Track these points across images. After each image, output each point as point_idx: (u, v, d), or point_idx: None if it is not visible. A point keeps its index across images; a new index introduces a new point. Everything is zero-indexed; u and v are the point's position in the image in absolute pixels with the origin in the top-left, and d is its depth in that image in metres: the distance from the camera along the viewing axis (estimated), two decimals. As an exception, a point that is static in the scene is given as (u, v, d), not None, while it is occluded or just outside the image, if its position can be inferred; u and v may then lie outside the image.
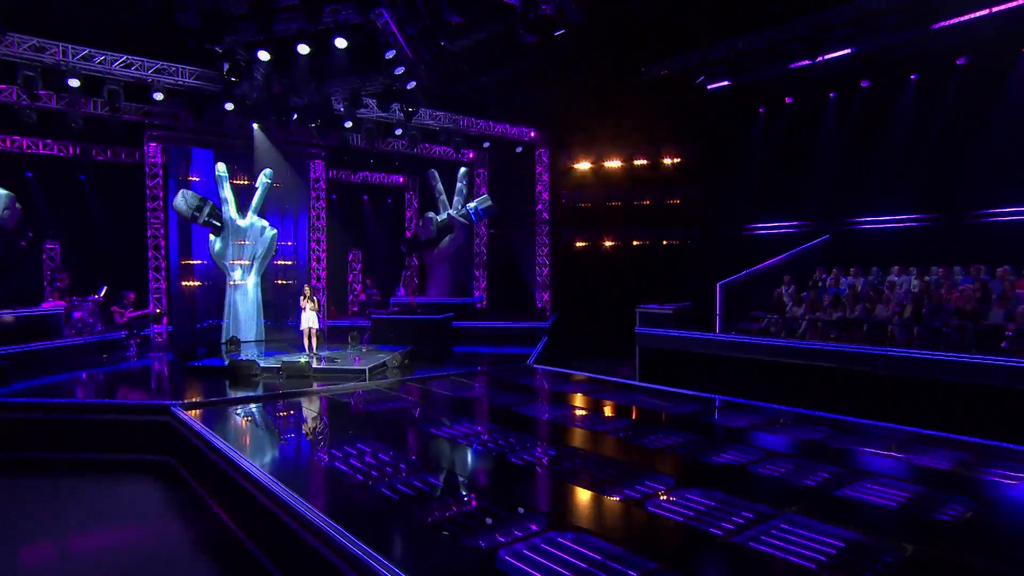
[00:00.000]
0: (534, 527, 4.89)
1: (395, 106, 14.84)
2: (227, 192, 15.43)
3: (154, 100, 14.09)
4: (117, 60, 13.36)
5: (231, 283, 15.70)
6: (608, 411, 9.18)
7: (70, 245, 16.79)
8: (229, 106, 14.52)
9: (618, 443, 7.38)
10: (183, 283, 16.27)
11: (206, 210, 15.00)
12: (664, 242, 19.76)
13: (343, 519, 4.92)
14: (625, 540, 4.69)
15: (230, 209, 15.45)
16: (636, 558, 4.34)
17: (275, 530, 5.49)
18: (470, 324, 17.51)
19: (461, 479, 6.25)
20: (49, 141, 16.27)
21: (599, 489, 5.77)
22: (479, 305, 19.19)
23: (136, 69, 13.62)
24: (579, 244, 20.33)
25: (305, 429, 8.39)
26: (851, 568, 4.15)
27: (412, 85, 13.17)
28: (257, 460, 6.51)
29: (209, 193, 15.52)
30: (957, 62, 14.03)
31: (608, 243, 20.15)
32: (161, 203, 15.99)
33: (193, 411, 8.71)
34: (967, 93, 13.99)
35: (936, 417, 8.54)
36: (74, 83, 12.98)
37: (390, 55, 11.68)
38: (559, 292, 19.90)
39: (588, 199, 20.20)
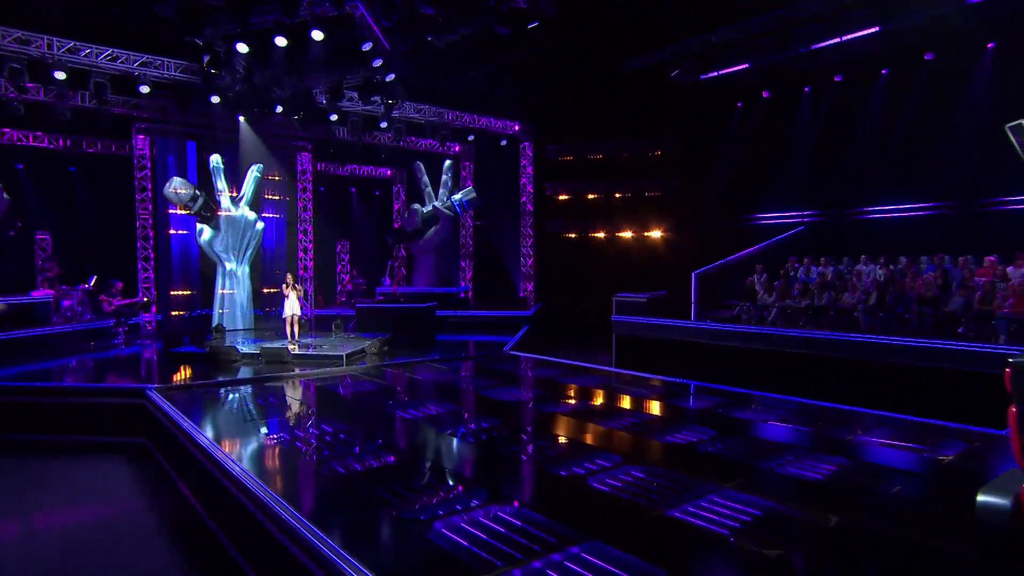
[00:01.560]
0: (476, 502, 4.89)
1: (376, 99, 14.73)
2: (222, 183, 15.37)
3: (141, 93, 14.02)
4: (103, 53, 13.28)
5: (223, 273, 15.65)
6: (573, 394, 9.18)
7: (61, 235, 16.72)
8: (215, 99, 14.46)
9: (577, 424, 7.38)
10: (172, 272, 16.22)
11: (199, 201, 14.92)
12: (645, 233, 19.74)
13: (291, 495, 4.92)
14: (559, 513, 4.69)
15: (225, 200, 15.40)
16: (562, 528, 4.34)
17: (230, 507, 5.50)
18: (454, 313, 17.51)
19: (415, 457, 6.25)
20: (39, 134, 16.17)
21: (549, 467, 5.77)
22: (463, 295, 19.16)
23: (122, 62, 13.54)
24: (562, 235, 20.31)
25: (272, 411, 8.38)
26: (767, 537, 4.16)
27: (391, 77, 13.10)
28: (219, 440, 6.50)
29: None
30: (925, 56, 14.01)
31: (590, 234, 20.13)
32: (149, 194, 15.92)
33: (168, 394, 8.69)
34: (933, 87, 13.98)
35: (895, 399, 8.55)
36: (60, 76, 12.90)
37: (367, 47, 11.60)
38: (543, 282, 19.89)
39: (571, 191, 20.17)
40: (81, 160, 17.08)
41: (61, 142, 16.53)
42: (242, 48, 11.44)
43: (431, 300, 16.42)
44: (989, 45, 13.01)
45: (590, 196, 20.00)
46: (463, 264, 20.35)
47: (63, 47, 12.76)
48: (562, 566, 3.83)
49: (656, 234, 19.53)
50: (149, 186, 15.96)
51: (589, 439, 6.76)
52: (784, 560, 3.90)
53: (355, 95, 14.83)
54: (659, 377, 10.24)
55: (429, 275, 18.92)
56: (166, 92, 14.45)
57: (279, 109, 15.04)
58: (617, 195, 19.85)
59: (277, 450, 6.48)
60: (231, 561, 5.44)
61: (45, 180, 16.83)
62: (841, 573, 3.87)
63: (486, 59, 16.08)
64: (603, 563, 3.86)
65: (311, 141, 17.79)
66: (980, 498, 1.90)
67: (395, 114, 16.62)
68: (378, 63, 12.27)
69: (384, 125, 16.80)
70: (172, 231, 16.68)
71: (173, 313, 16.20)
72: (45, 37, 12.58)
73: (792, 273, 14.30)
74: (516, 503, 4.88)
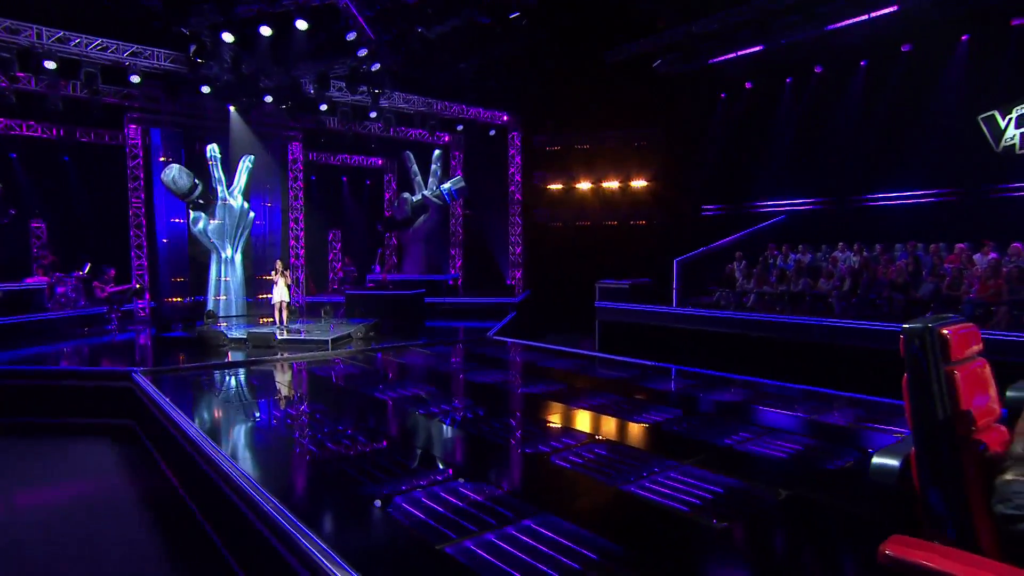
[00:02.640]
0: (440, 478, 4.92)
1: (363, 88, 14.64)
2: (219, 172, 15.29)
3: (132, 83, 13.90)
4: (92, 43, 13.15)
5: (218, 260, 15.58)
6: (548, 377, 9.20)
7: (55, 224, 16.62)
8: (205, 89, 14.34)
9: (548, 405, 7.42)
10: (165, 260, 16.17)
11: (197, 190, 14.85)
12: (631, 222, 19.70)
13: (259, 473, 4.94)
14: (519, 489, 4.73)
15: (223, 189, 15.32)
16: (521, 503, 4.38)
17: (203, 483, 5.53)
18: (443, 300, 17.50)
19: (386, 436, 6.27)
20: (32, 123, 16.04)
21: (515, 445, 5.81)
22: (451, 282, 19.15)
23: (112, 52, 13.41)
24: (550, 224, 20.27)
25: (251, 393, 8.39)
26: (719, 510, 4.19)
27: (377, 67, 13.01)
28: (195, 420, 6.52)
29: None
30: (902, 48, 13.97)
31: (578, 223, 20.09)
32: (142, 183, 15.84)
33: (152, 377, 8.69)
34: (910, 78, 13.95)
35: (866, 381, 8.57)
36: (50, 65, 12.77)
37: (351, 37, 11.52)
38: (531, 270, 19.88)
39: (559, 181, 20.11)
40: (74, 149, 16.96)
41: (54, 131, 16.40)
42: (228, 37, 11.35)
43: (420, 287, 16.39)
44: (963, 37, 12.97)
45: (577, 186, 19.94)
46: (453, 252, 20.33)
47: (52, 36, 12.62)
48: (513, 537, 3.86)
49: (642, 223, 19.52)
50: (141, 175, 15.88)
51: (558, 419, 6.79)
52: (729, 531, 3.94)
53: (343, 85, 14.72)
54: (635, 360, 10.26)
55: (419, 263, 18.89)
56: (157, 82, 14.34)
57: (268, 99, 14.95)
58: (604, 184, 19.80)
59: (252, 430, 6.50)
60: (205, 536, 5.47)
61: (39, 169, 16.72)
62: (779, 541, 3.93)
63: (476, 51, 15.99)
64: (553, 534, 3.89)
65: (302, 131, 17.69)
66: (874, 460, 1.92)
67: (384, 104, 16.53)
68: (363, 53, 12.19)
69: (374, 115, 16.71)
70: (164, 219, 16.64)
71: (167, 300, 16.17)
72: (35, 27, 12.44)
73: (771, 260, 14.33)
74: (478, 479, 4.91)
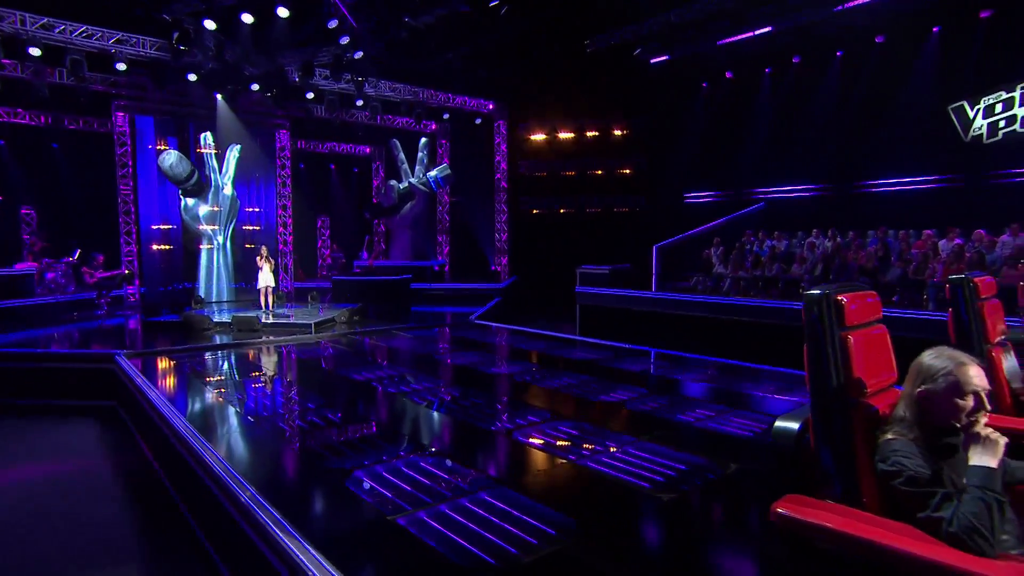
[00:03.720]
0: (403, 452, 4.96)
1: (348, 77, 14.52)
2: (215, 161, 15.19)
3: (118, 71, 13.73)
4: (77, 30, 12.96)
5: (208, 246, 15.52)
6: (522, 358, 9.25)
7: (45, 210, 16.48)
8: (192, 77, 14.19)
9: (519, 385, 7.45)
10: (154, 247, 16.06)
11: (193, 179, 14.77)
12: (614, 209, 19.72)
13: (227, 450, 4.96)
14: (479, 463, 4.77)
15: (217, 177, 15.23)
16: (479, 476, 4.41)
17: (175, 461, 5.54)
18: (429, 286, 17.50)
19: (357, 414, 6.30)
20: (20, 110, 15.86)
21: (481, 422, 5.84)
22: (437, 268, 19.13)
23: (97, 39, 13.23)
24: (535, 212, 20.26)
25: (230, 374, 8.39)
26: (671, 483, 4.25)
27: (359, 55, 12.89)
28: (171, 400, 6.53)
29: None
30: (876, 39, 13.97)
31: (562, 210, 20.09)
32: (130, 170, 15.69)
33: (134, 359, 8.68)
34: (884, 69, 13.96)
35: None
36: (35, 52, 12.59)
37: (333, 24, 11.40)
38: (517, 256, 19.87)
39: (544, 169, 20.09)
40: (63, 137, 16.77)
41: (42, 119, 16.22)
42: (210, 24, 11.21)
43: (407, 273, 16.39)
44: (934, 29, 12.98)
45: (562, 173, 19.94)
46: (440, 239, 20.30)
47: (36, 23, 12.44)
48: (467, 509, 3.90)
49: (625, 210, 19.54)
50: (129, 162, 15.72)
51: (526, 398, 6.83)
52: (676, 503, 3.99)
53: (328, 73, 14.60)
54: (608, 342, 10.31)
55: (406, 249, 18.86)
56: (144, 70, 14.18)
57: (255, 87, 14.80)
58: (588, 172, 19.80)
59: (226, 410, 6.51)
60: (178, 512, 5.49)
61: (28, 156, 16.54)
62: (718, 510, 4.00)
63: (462, 40, 15.87)
64: (507, 507, 3.93)
65: (289, 119, 17.55)
66: (776, 424, 1.95)
67: (371, 92, 16.40)
68: (345, 40, 12.06)
69: (360, 103, 16.59)
70: (154, 206, 16.52)
71: (157, 286, 16.08)
72: (18, 13, 12.25)
73: (748, 246, 14.39)
74: (440, 454, 4.94)
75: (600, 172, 19.77)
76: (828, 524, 1.67)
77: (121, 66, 13.56)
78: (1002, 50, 12.05)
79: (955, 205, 12.70)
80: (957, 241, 10.88)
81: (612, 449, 4.98)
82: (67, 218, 16.75)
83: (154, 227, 16.10)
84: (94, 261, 14.67)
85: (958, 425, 1.72)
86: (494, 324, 12.85)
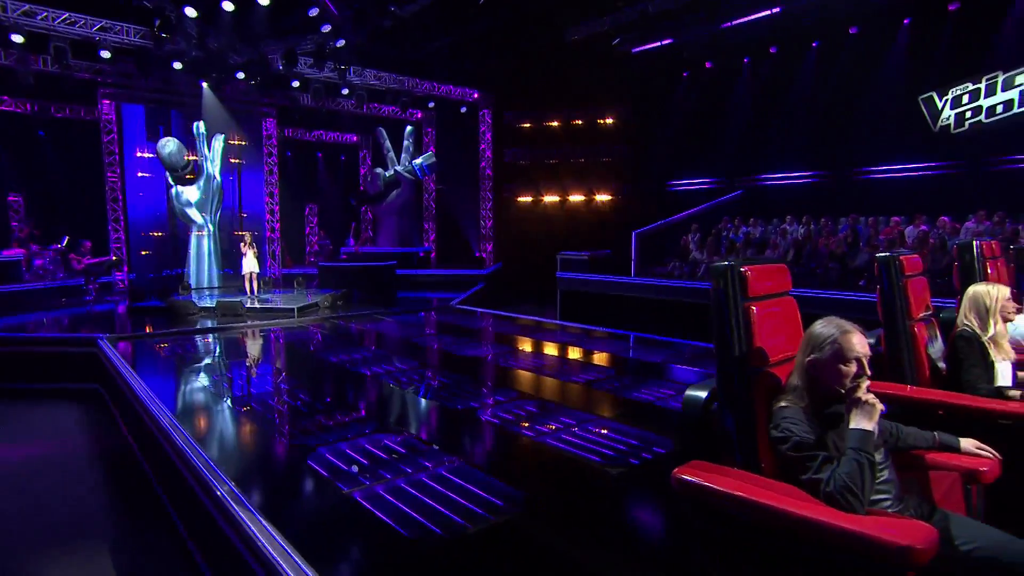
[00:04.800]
0: (368, 430, 4.98)
1: (331, 65, 14.39)
2: (206, 148, 15.03)
3: (102, 58, 13.53)
4: (59, 17, 12.74)
5: (199, 233, 15.37)
6: (497, 340, 9.28)
7: (32, 197, 16.27)
8: (177, 65, 14.01)
9: (491, 366, 7.49)
10: (142, 233, 15.97)
11: (188, 168, 14.61)
12: (597, 197, 19.73)
13: (199, 432, 4.97)
14: (440, 440, 4.80)
15: (209, 166, 15.07)
16: (440, 453, 4.45)
17: (149, 439, 5.55)
18: (415, 272, 17.47)
19: (330, 395, 6.32)
20: (6, 98, 15.61)
21: (449, 402, 5.88)
22: (422, 254, 19.10)
23: (80, 27, 13.01)
24: (520, 199, 20.23)
25: (209, 357, 8.38)
26: (624, 458, 4.30)
27: (341, 43, 12.76)
28: (148, 381, 6.52)
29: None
30: (850, 31, 13.97)
31: (546, 198, 20.07)
32: (117, 158, 15.53)
33: (116, 343, 8.65)
34: (857, 60, 13.98)
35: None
36: (17, 39, 12.38)
37: (314, 13, 11.28)
38: (502, 243, 19.86)
39: (528, 157, 20.04)
40: (49, 124, 16.54)
41: (28, 106, 15.98)
42: (190, 12, 11.06)
43: (392, 260, 16.34)
44: (905, 21, 12.99)
45: (546, 162, 19.90)
46: (427, 226, 20.24)
47: (18, 10, 12.22)
48: (423, 483, 3.93)
49: (607, 197, 19.54)
50: (116, 150, 15.55)
51: (496, 378, 6.87)
52: (624, 476, 4.04)
53: (312, 62, 14.46)
54: (582, 325, 10.37)
55: (392, 236, 18.80)
56: (129, 57, 13.98)
57: (240, 75, 14.63)
58: (571, 160, 19.77)
59: (200, 390, 6.52)
60: (152, 492, 5.50)
61: (14, 143, 16.30)
62: (662, 482, 4.06)
63: (448, 30, 15.75)
64: (463, 482, 3.96)
65: (275, 107, 17.39)
66: (686, 393, 1.98)
67: (356, 81, 16.26)
68: (327, 28, 11.94)
69: (345, 92, 16.45)
70: (143, 193, 16.40)
71: (145, 273, 16.00)
72: (-1, -1, 12.04)
73: (724, 233, 14.44)
74: (404, 432, 4.97)
75: (583, 160, 19.75)
76: (720, 487, 1.71)
77: (105, 53, 13.36)
78: (969, 42, 12.10)
79: (923, 192, 12.79)
80: (923, 228, 10.97)
81: (572, 427, 5.03)
82: (55, 205, 16.56)
83: (142, 214, 16.00)
84: (81, 248, 14.55)
85: (842, 391, 1.76)
86: (474, 309, 12.88)
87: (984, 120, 11.93)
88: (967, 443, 2.04)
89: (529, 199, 20.19)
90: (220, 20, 11.69)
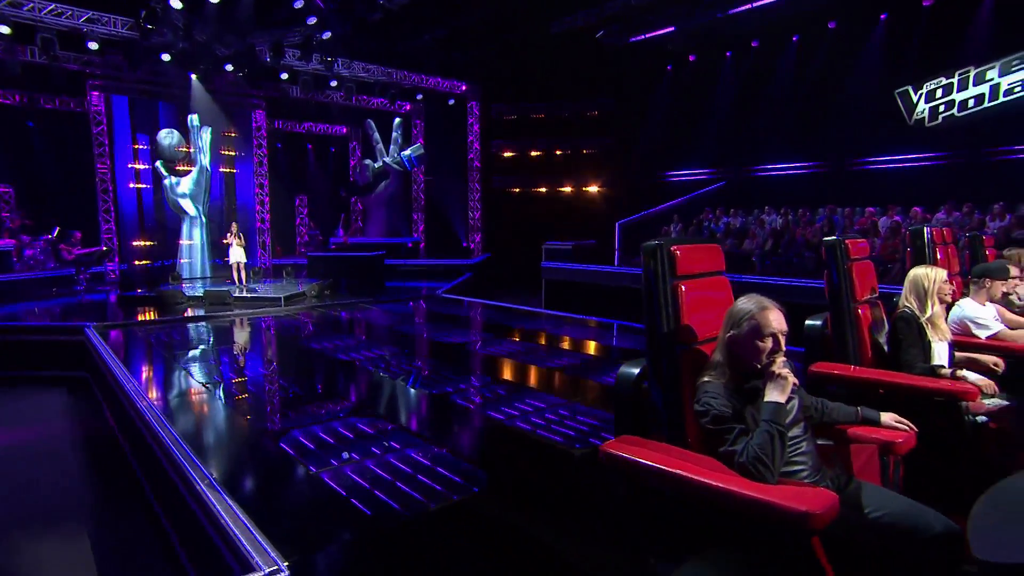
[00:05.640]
0: (340, 414, 5.00)
1: (319, 57, 14.26)
2: (202, 141, 14.89)
3: (91, 50, 13.36)
4: (46, 8, 12.54)
5: (188, 224, 15.26)
6: (478, 328, 9.30)
7: (23, 188, 16.09)
8: (166, 57, 13.85)
9: (469, 352, 7.52)
10: (133, 224, 15.84)
11: (184, 160, 14.49)
12: (583, 188, 19.73)
13: (176, 417, 4.97)
14: (411, 423, 4.83)
15: (203, 158, 14.94)
16: (407, 434, 4.48)
17: (130, 425, 5.54)
18: (403, 262, 17.45)
19: (307, 381, 6.32)
20: (-6, 89, 15.42)
21: (425, 387, 5.90)
22: (410, 244, 19.06)
23: (67, 18, 12.82)
24: (507, 190, 20.19)
25: (193, 345, 8.35)
26: (587, 439, 4.34)
27: (327, 35, 12.65)
28: (130, 368, 6.51)
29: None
30: (829, 25, 13.98)
31: (533, 189, 20.06)
32: (107, 149, 15.36)
33: (102, 331, 8.61)
34: (836, 53, 13.99)
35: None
36: (4, 29, 12.19)
37: (299, 4, 11.17)
38: (490, 233, 19.84)
39: (515, 149, 20.01)
40: (39, 115, 16.33)
41: (17, 98, 15.77)
42: (175, 3, 10.92)
43: (381, 250, 16.31)
44: (882, 16, 13.01)
45: (533, 153, 19.88)
46: (415, 217, 20.18)
47: (3, 0, 12.04)
48: (390, 464, 3.96)
49: (592, 189, 19.55)
50: (106, 141, 15.38)
51: (472, 363, 6.90)
52: (586, 456, 4.08)
53: (299, 53, 14.33)
54: (566, 314, 10.40)
55: (381, 227, 18.76)
56: (118, 49, 13.80)
57: (229, 68, 14.48)
58: (557, 152, 19.76)
59: (181, 376, 6.51)
60: (134, 477, 5.51)
61: (3, 135, 16.05)
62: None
63: (436, 22, 15.62)
64: (430, 463, 3.99)
65: (265, 99, 17.24)
66: (620, 369, 2.01)
67: (345, 73, 16.13)
68: (312, 20, 11.83)
69: (334, 84, 16.32)
70: (131, 184, 16.24)
71: (137, 263, 15.88)
72: (-16, -10, 11.85)
73: (705, 223, 14.50)
74: (376, 415, 5.00)
75: (570, 152, 19.74)
76: (642, 460, 1.74)
77: (93, 45, 13.20)
78: (942, 38, 12.14)
79: (898, 184, 12.87)
80: (896, 218, 11.05)
81: (543, 410, 5.06)
82: (45, 196, 16.39)
83: (133, 206, 15.87)
84: (72, 238, 14.43)
85: (759, 366, 1.79)
86: (460, 297, 12.89)
87: (957, 114, 11.99)
88: (887, 417, 2.09)
89: (516, 190, 20.17)
90: (205, 11, 11.56)
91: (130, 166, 16.13)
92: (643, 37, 15.66)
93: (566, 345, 7.95)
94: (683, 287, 1.98)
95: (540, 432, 4.53)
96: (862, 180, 13.73)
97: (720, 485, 1.56)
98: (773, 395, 1.71)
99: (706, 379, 1.84)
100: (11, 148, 16.13)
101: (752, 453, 1.63)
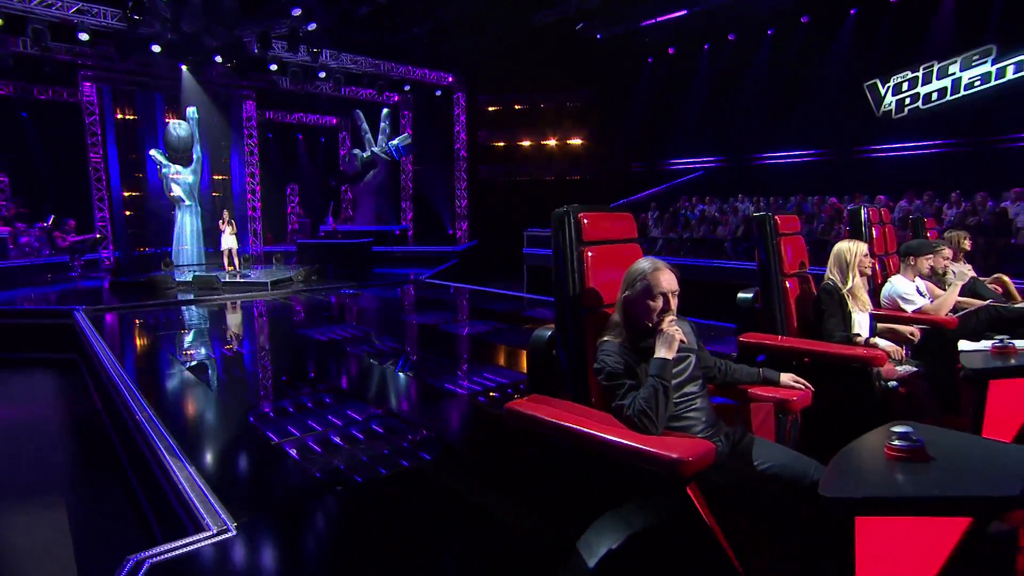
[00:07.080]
0: (308, 389, 5.03)
1: (305, 48, 14.13)
2: (197, 131, 14.74)
3: (82, 41, 13.17)
4: (35, -1, 12.38)
5: (182, 212, 15.14)
6: (453, 310, 9.33)
7: (18, 177, 15.93)
8: (156, 48, 13.67)
9: (439, 332, 7.55)
10: (127, 212, 15.74)
11: (189, 150, 14.34)
12: (567, 177, 19.72)
13: (156, 398, 4.99)
14: (376, 397, 4.86)
15: (198, 148, 14.81)
16: (372, 408, 4.51)
17: (111, 402, 5.56)
18: (391, 249, 17.41)
19: (285, 360, 6.35)
20: (-14, 80, 15.21)
21: (392, 364, 5.93)
22: (398, 232, 19.02)
23: (57, 9, 12.62)
24: (493, 179, 20.15)
25: (177, 328, 8.34)
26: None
27: (313, 27, 12.53)
28: (115, 350, 6.50)
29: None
30: (802, 19, 13.95)
31: (518, 178, 20.03)
32: (99, 139, 15.22)
33: (90, 314, 8.58)
34: (808, 47, 13.99)
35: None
36: (-5, 21, 12.03)
37: (284, -4, 11.06)
38: (476, 221, 19.80)
39: (501, 139, 19.96)
40: (32, 106, 16.13)
41: (11, 88, 15.57)
42: (161, -6, 10.80)
43: (369, 237, 16.27)
44: (851, 11, 13.01)
45: (518, 143, 19.84)
46: (403, 205, 20.11)
47: (-8, -8, 11.84)
48: (351, 436, 4.00)
49: (576, 178, 19.53)
50: (99, 131, 15.23)
51: (441, 342, 6.93)
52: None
53: (287, 45, 14.18)
54: (544, 297, 10.44)
55: (370, 215, 18.71)
56: (109, 40, 13.61)
57: (218, 59, 14.32)
58: (542, 142, 19.72)
59: (163, 357, 6.52)
60: (113, 452, 5.52)
61: (-3, 124, 15.92)
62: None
63: (423, 15, 15.47)
64: (388, 433, 4.03)
65: (255, 90, 17.09)
66: (533, 333, 2.04)
67: (333, 65, 15.99)
68: (297, 12, 11.71)
69: (323, 75, 16.17)
70: (127, 173, 16.10)
71: (131, 250, 15.79)
72: (-26, -19, 11.65)
73: (682, 211, 14.52)
74: (343, 391, 5.03)
75: (553, 142, 19.70)
76: (540, 415, 1.78)
77: (84, 36, 13.01)
78: (908, 33, 12.17)
79: (866, 173, 12.94)
80: (863, 205, 11.09)
81: (505, 386, 5.11)
82: (40, 184, 16.24)
83: (127, 193, 15.75)
84: (66, 226, 14.32)
85: (651, 325, 1.83)
86: (445, 283, 12.91)
87: (921, 107, 12.04)
88: (786, 378, 2.14)
89: (502, 179, 20.13)
90: (192, 1, 11.41)
91: (126, 154, 15.97)
92: (623, 30, 15.59)
93: (533, 324, 7.97)
94: (589, 253, 2.01)
95: (499, 408, 4.57)
96: (834, 169, 13.78)
97: (604, 436, 1.61)
98: (661, 352, 1.75)
99: (605, 339, 1.88)
100: (5, 138, 15.95)
101: (638, 407, 1.67)
